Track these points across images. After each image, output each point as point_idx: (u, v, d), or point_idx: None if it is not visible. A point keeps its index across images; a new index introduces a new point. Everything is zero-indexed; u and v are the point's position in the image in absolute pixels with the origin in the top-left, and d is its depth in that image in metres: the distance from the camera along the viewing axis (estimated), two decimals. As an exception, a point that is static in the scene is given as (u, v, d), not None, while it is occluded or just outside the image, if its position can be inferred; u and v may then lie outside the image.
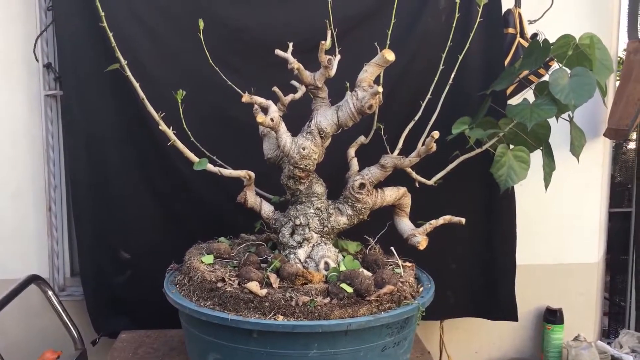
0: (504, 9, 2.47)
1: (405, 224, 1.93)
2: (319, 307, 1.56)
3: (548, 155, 2.13)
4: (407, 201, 1.94)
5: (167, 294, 1.75)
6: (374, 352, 1.62)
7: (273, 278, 1.67)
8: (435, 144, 1.75)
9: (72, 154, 2.42)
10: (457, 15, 1.96)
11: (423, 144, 1.80)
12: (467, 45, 2.01)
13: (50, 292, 2.31)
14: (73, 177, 2.44)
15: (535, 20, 2.62)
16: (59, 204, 2.59)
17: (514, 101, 2.37)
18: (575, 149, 2.09)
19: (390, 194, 1.90)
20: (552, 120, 2.04)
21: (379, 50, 1.76)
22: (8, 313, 2.14)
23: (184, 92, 1.77)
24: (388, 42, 1.93)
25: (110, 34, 1.65)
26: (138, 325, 2.40)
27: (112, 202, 2.44)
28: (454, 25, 1.97)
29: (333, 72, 1.80)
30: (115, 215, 2.44)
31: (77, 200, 2.45)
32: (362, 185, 1.84)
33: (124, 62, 1.67)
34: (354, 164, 2.00)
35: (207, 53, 1.98)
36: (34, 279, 2.26)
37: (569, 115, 2.07)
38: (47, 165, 2.52)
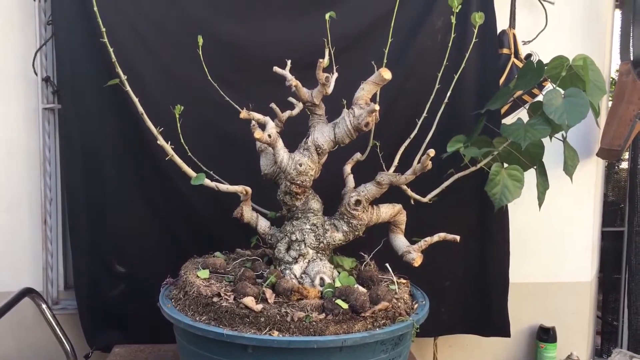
0: (498, 30, 2.51)
1: (400, 241, 1.94)
2: (314, 323, 1.57)
3: (542, 174, 2.15)
4: (403, 218, 1.95)
5: (163, 308, 1.75)
6: (369, 368, 1.62)
7: (269, 293, 1.67)
8: (430, 162, 1.77)
9: (69, 167, 2.43)
10: (453, 35, 1.99)
11: (419, 162, 1.82)
12: (463, 65, 2.03)
13: (44, 305, 2.30)
14: (69, 190, 2.44)
15: (529, 41, 2.66)
16: (54, 217, 2.58)
17: (508, 120, 2.40)
18: (569, 169, 2.11)
19: (386, 210, 1.91)
20: (545, 140, 2.07)
21: (375, 68, 1.78)
22: (1, 325, 2.14)
23: (182, 107, 1.80)
24: (385, 61, 1.96)
25: (111, 49, 1.67)
26: (131, 340, 2.40)
27: (107, 216, 2.44)
28: (449, 45, 2.00)
29: (330, 89, 1.82)
30: (111, 229, 2.45)
31: (72, 213, 2.45)
32: (358, 202, 1.85)
33: (124, 77, 1.68)
34: (350, 180, 2.01)
35: (206, 69, 2.00)
36: (28, 292, 2.25)
37: (562, 135, 2.09)
38: (44, 178, 2.53)
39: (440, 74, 1.97)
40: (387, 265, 1.90)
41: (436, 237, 1.89)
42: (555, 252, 2.86)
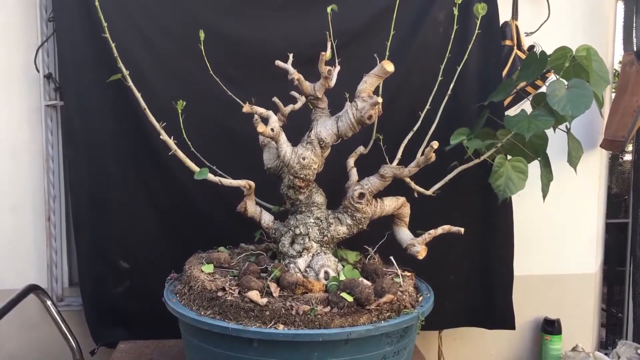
0: (501, 22, 2.50)
1: (404, 234, 1.94)
2: (319, 316, 1.57)
3: (546, 165, 2.14)
4: (406, 211, 1.95)
5: (167, 303, 1.75)
6: (374, 361, 1.62)
7: (273, 287, 1.67)
8: (434, 154, 1.77)
9: (72, 164, 2.43)
10: (455, 27, 1.98)
11: (422, 154, 1.81)
12: (466, 57, 2.02)
13: (49, 302, 2.30)
14: (72, 187, 2.45)
15: (532, 33, 2.65)
16: (58, 215, 2.59)
17: (511, 112, 2.38)
18: (573, 160, 2.10)
19: (390, 203, 1.91)
20: (549, 131, 2.06)
21: (378, 61, 1.78)
22: (6, 323, 2.14)
23: (184, 103, 1.79)
24: (387, 54, 1.95)
25: (113, 45, 1.66)
26: (137, 336, 2.40)
27: (111, 213, 2.44)
28: (452, 37, 1.99)
29: (333, 82, 1.81)
30: (115, 225, 2.45)
31: (76, 210, 2.46)
32: (361, 195, 1.85)
33: (126, 72, 1.68)
34: (354, 173, 2.00)
35: (208, 65, 2.00)
36: (33, 288, 2.25)
37: (566, 126, 2.08)
38: (47, 175, 2.53)
39: (442, 66, 1.97)
40: (392, 258, 1.90)
41: (440, 230, 1.89)
42: (559, 244, 2.86)
